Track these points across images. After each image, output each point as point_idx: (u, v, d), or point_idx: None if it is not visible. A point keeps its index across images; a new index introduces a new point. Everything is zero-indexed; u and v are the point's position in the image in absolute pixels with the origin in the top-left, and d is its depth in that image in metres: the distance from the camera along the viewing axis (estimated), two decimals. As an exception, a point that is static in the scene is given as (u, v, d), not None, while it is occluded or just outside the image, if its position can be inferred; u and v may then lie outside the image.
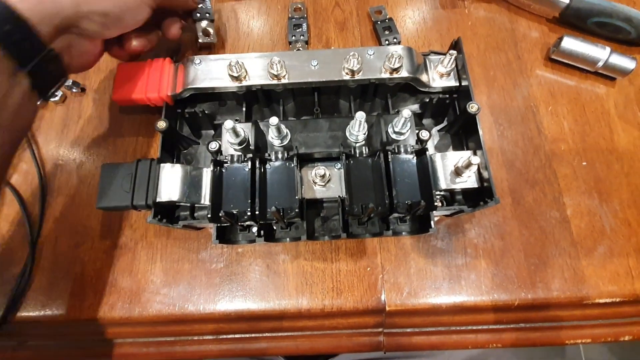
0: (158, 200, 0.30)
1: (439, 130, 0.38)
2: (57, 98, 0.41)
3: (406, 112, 0.30)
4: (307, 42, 0.44)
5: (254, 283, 0.35)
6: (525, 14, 0.45)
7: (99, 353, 0.35)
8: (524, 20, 0.45)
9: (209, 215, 0.28)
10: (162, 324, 0.35)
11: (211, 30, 0.42)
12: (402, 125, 0.31)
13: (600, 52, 0.39)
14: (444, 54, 0.35)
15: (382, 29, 0.44)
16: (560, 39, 0.40)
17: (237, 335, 0.35)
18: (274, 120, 0.30)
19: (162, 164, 0.31)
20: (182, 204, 0.32)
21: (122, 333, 0.35)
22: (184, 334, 0.35)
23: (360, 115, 0.30)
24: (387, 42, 0.43)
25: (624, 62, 0.39)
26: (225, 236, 0.34)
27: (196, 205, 0.34)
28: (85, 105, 0.42)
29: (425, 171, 0.30)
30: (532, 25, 0.45)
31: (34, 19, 0.24)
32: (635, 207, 0.37)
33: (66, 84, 0.41)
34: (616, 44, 0.43)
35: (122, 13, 0.29)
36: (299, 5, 0.45)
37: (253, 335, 0.35)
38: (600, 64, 0.40)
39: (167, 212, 0.33)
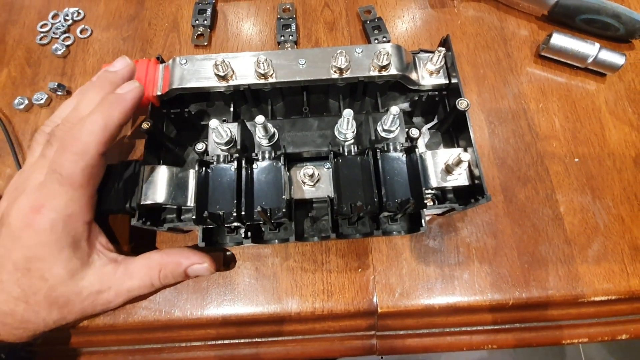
0: (143, 202, 0.30)
1: (429, 129, 0.37)
2: (42, 101, 0.41)
3: (394, 109, 0.30)
4: (296, 43, 0.44)
5: (243, 286, 0.34)
6: (514, 12, 0.45)
7: (84, 362, 0.34)
8: (513, 18, 0.45)
9: (194, 217, 0.28)
10: (148, 331, 0.33)
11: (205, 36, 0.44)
12: (391, 122, 0.31)
13: (589, 48, 0.39)
14: (433, 52, 0.34)
15: (371, 29, 0.44)
16: (550, 35, 0.40)
17: (225, 341, 0.34)
18: (259, 118, 0.30)
19: (146, 166, 0.31)
20: (167, 206, 0.32)
21: (107, 341, 0.34)
22: (171, 340, 0.34)
23: (348, 113, 0.30)
24: (376, 41, 0.43)
25: (613, 57, 0.39)
26: (212, 238, 0.33)
27: (183, 207, 0.33)
28: (70, 107, 0.41)
29: (415, 169, 0.29)
30: (521, 23, 0.45)
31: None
32: (628, 203, 0.37)
33: (51, 86, 0.41)
34: (605, 40, 0.43)
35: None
36: (288, 6, 0.45)
37: (242, 340, 0.34)
38: (590, 59, 0.40)
39: (152, 215, 0.32)
